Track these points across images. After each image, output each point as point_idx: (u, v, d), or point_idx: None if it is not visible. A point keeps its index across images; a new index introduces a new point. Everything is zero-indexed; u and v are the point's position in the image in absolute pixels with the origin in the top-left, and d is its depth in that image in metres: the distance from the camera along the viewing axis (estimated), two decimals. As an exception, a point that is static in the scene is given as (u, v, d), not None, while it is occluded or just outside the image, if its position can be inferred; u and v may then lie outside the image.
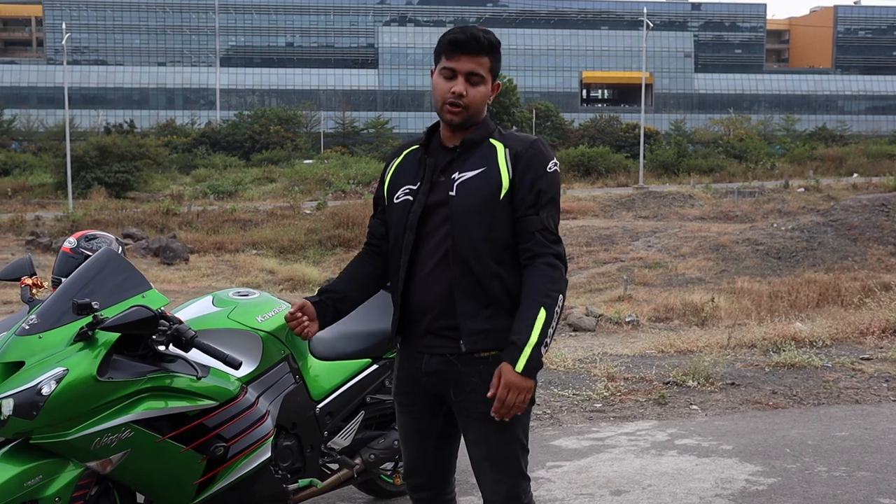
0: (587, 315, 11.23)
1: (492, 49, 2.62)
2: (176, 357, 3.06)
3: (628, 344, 7.92)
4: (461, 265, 2.58)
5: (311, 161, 54.61)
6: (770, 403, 5.60)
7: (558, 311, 2.54)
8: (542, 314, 2.50)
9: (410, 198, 2.68)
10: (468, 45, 2.58)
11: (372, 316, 3.90)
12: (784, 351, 6.64)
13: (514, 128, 54.96)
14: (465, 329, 2.59)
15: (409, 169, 2.75)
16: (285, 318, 2.80)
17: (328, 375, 3.69)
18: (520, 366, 2.46)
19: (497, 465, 2.66)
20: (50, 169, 42.47)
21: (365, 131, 71.54)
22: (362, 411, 3.81)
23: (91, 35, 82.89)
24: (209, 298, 3.53)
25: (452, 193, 2.61)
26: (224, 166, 51.29)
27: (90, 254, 4.24)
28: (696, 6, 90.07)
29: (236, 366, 3.07)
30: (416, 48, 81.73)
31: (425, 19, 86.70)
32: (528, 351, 2.47)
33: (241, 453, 3.28)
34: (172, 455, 3.08)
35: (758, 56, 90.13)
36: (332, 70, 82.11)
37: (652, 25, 48.58)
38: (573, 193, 35.24)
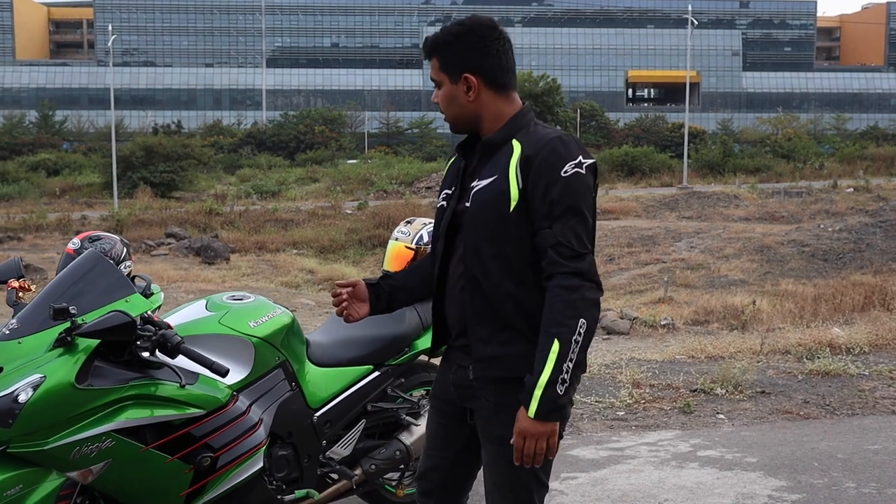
0: (621, 318, 11.01)
1: (435, 48, 2.46)
2: (161, 364, 2.97)
3: (660, 349, 7.70)
4: (472, 284, 2.41)
5: (354, 161, 54.76)
6: (801, 413, 5.37)
7: (579, 339, 2.25)
8: (556, 347, 2.23)
9: (445, 203, 2.55)
10: (424, 52, 2.49)
11: (375, 321, 3.74)
12: (819, 358, 6.39)
13: (558, 127, 54.25)
14: (475, 354, 2.43)
15: (452, 170, 2.60)
16: (331, 293, 2.65)
17: (326, 383, 3.56)
18: (532, 410, 2.25)
19: (505, 494, 2.49)
20: (98, 169, 43.05)
21: (409, 131, 71.62)
22: (363, 420, 3.68)
23: (140, 37, 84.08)
24: (203, 303, 3.43)
25: (468, 204, 2.43)
26: (268, 166, 51.63)
27: (94, 255, 4.19)
28: (744, 4, 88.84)
29: (222, 373, 2.96)
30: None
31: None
32: (538, 393, 2.23)
33: (232, 463, 3.17)
34: (157, 465, 2.98)
35: (808, 54, 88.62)
36: (376, 70, 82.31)
37: (697, 23, 47.88)
38: (616, 194, 34.84)
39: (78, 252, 4.21)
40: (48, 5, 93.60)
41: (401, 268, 3.90)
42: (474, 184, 2.43)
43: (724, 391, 5.73)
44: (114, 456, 2.88)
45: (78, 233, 27.99)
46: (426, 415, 3.77)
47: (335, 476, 3.59)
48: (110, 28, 44.22)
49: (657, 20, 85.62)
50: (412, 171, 46.02)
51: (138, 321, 3.00)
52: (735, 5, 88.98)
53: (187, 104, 78.13)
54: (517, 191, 2.34)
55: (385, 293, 2.69)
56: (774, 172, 42.47)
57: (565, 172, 2.30)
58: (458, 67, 2.41)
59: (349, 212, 32.18)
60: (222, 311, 3.34)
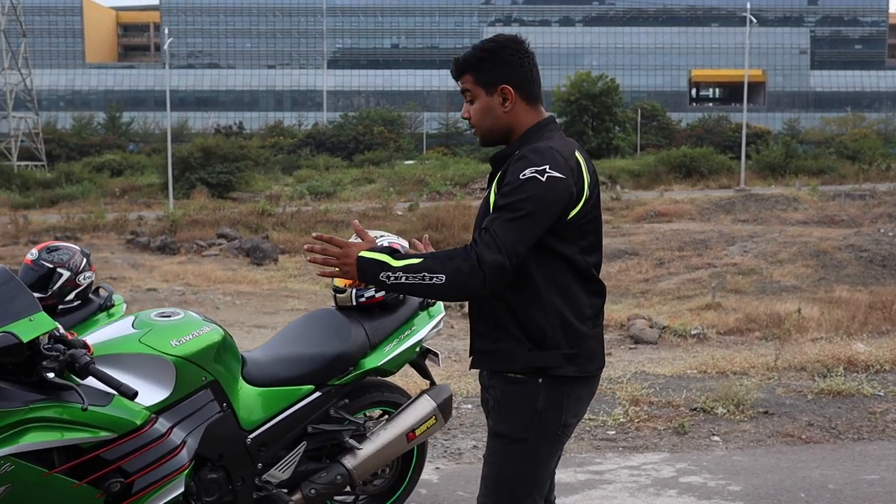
0: (651, 327, 10.70)
1: (468, 65, 2.57)
2: (66, 385, 2.85)
3: (671, 362, 7.40)
4: None
5: (411, 162, 54.82)
6: (802, 437, 5.07)
7: (422, 280, 2.34)
8: (417, 261, 2.37)
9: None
10: (454, 72, 2.61)
11: (315, 338, 3.63)
12: (832, 376, 6.05)
13: (616, 128, 53.89)
14: (474, 347, 2.62)
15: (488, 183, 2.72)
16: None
17: (262, 403, 3.42)
18: (364, 254, 2.42)
19: (488, 489, 2.60)
20: (158, 170, 43.82)
21: (468, 132, 71.46)
22: (304, 442, 3.53)
23: (205, 39, 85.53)
24: (130, 320, 3.31)
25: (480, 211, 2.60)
26: (326, 167, 51.95)
27: (50, 266, 4.12)
28: (812, 0, 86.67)
29: (129, 395, 2.84)
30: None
31: (531, 19, 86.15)
32: (380, 257, 2.40)
33: (150, 487, 3.04)
34: (62, 490, 2.87)
35: (879, 52, 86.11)
36: (436, 71, 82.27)
37: (757, 21, 46.81)
38: (671, 195, 34.21)
39: (35, 263, 4.13)
40: (117, 9, 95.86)
41: (350, 281, 3.74)
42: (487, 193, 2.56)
43: (724, 411, 5.45)
44: (14, 480, 2.77)
45: (133, 233, 28.25)
46: (373, 437, 3.63)
47: (272, 500, 3.45)
48: (166, 31, 44.89)
49: (722, 18, 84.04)
50: (468, 172, 45.85)
51: (46, 340, 2.90)
52: (803, 2, 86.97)
53: (250, 105, 79.18)
54: (494, 195, 2.46)
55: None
56: (838, 174, 41.25)
57: (524, 175, 2.37)
58: (495, 80, 2.53)
59: (400, 213, 32.15)
60: (146, 329, 3.21)
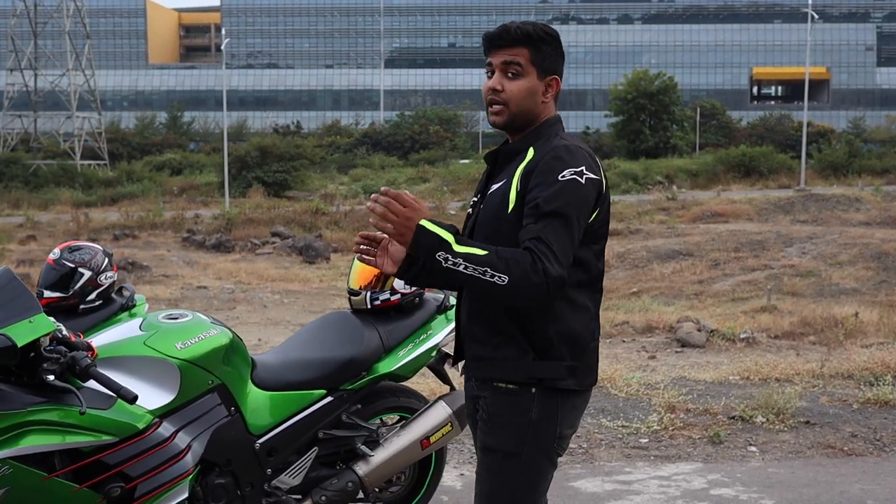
0: (698, 330, 10.44)
1: (529, 39, 2.40)
2: (66, 388, 2.82)
3: (715, 367, 7.19)
4: None
5: (467, 161, 54.72)
6: (844, 449, 4.86)
7: (485, 275, 2.17)
8: (481, 252, 2.19)
9: (471, 210, 2.56)
10: (500, 38, 2.42)
11: (327, 341, 3.56)
12: (881, 385, 5.80)
13: (674, 126, 53.03)
14: (469, 353, 2.48)
15: (482, 178, 2.60)
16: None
17: (272, 408, 3.35)
18: (426, 223, 2.22)
19: None
20: (216, 168, 44.41)
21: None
22: (315, 448, 3.46)
23: (264, 40, 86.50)
24: (138, 321, 3.27)
25: (481, 206, 2.46)
26: (381, 166, 52.15)
27: (72, 266, 4.11)
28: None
29: (129, 399, 2.80)
30: (579, 46, 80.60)
31: (588, 17, 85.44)
32: (441, 231, 2.22)
33: (152, 493, 3.00)
34: (62, 495, 2.84)
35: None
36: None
37: (819, 17, 45.71)
38: (728, 195, 33.58)
39: (57, 262, 4.13)
40: (179, 11, 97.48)
41: (365, 284, 3.67)
42: (490, 187, 2.45)
43: (764, 420, 5.26)
44: (13, 483, 2.75)
45: (189, 231, 28.59)
46: (386, 444, 3.55)
47: (282, 506, 3.38)
48: (224, 32, 45.46)
49: (784, 15, 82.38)
50: (523, 171, 45.60)
51: (47, 341, 2.88)
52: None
53: (307, 105, 79.88)
54: (515, 193, 2.34)
55: (419, 264, 2.47)
56: (904, 174, 40.13)
57: (563, 176, 2.27)
58: (550, 67, 2.43)
59: (452, 212, 32.07)
60: (152, 331, 3.17)
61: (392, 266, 2.52)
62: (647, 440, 5.04)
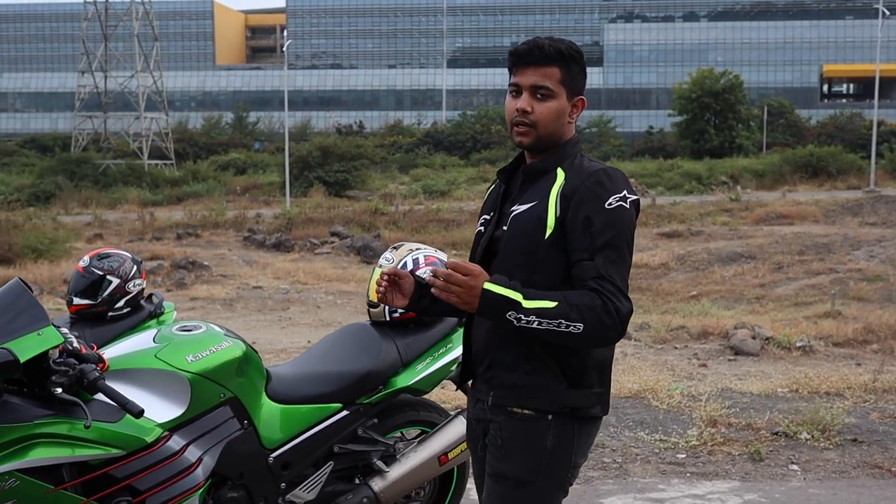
0: (753, 338, 10.18)
1: (561, 58, 2.34)
2: (72, 401, 2.82)
3: (764, 378, 6.98)
4: None
5: (528, 161, 54.40)
6: (892, 469, 4.65)
7: (559, 327, 2.17)
8: (550, 305, 2.18)
9: (483, 228, 2.52)
10: (531, 56, 2.34)
11: (344, 355, 3.51)
12: (936, 401, 5.56)
13: (744, 124, 51.95)
14: (497, 381, 2.39)
15: (492, 196, 2.56)
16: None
17: (286, 421, 3.32)
18: (491, 286, 2.20)
19: None
20: (279, 168, 44.94)
21: (587, 130, 70.62)
22: (331, 462, 3.41)
23: (328, 41, 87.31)
24: (152, 333, 3.26)
25: (505, 228, 2.40)
26: (442, 166, 52.20)
27: (100, 273, 4.14)
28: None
29: (135, 413, 2.79)
30: (643, 45, 79.73)
31: (653, 15, 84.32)
32: (508, 293, 2.19)
33: (162, 506, 2.99)
34: (68, 508, 2.84)
35: None
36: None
37: (888, 13, 44.32)
38: (793, 197, 32.78)
39: (86, 270, 4.16)
40: (245, 13, 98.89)
41: None
42: (514, 208, 2.39)
43: (808, 436, 5.07)
44: (19, 496, 2.76)
45: (250, 230, 28.88)
46: (403, 459, 3.48)
47: (298, 521, 3.34)
48: (285, 33, 45.93)
49: (855, 11, 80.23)
50: (583, 171, 45.21)
51: (57, 354, 2.88)
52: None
53: (370, 105, 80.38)
54: (554, 218, 2.29)
55: (429, 294, 2.50)
56: (981, 175, 38.76)
57: (609, 205, 2.25)
58: (578, 88, 2.40)
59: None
60: (164, 343, 3.16)
61: (402, 300, 2.53)
62: (684, 455, 4.90)
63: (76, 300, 4.13)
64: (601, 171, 2.30)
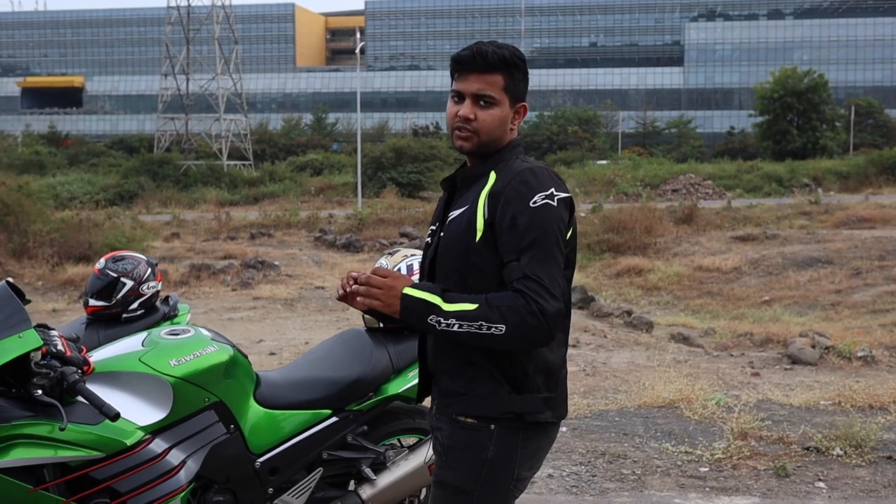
0: (812, 346, 9.84)
1: (505, 65, 2.30)
2: (52, 403, 2.86)
3: (810, 389, 6.73)
4: None
5: (604, 162, 53.93)
6: (926, 489, 4.43)
7: (481, 329, 2.13)
8: (471, 307, 2.15)
9: (430, 239, 2.51)
10: (473, 63, 2.30)
11: (336, 361, 3.49)
12: (983, 419, 5.27)
13: (813, 130, 50.33)
14: (440, 388, 2.39)
15: (439, 206, 2.53)
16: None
17: (274, 426, 3.31)
18: (410, 290, 2.21)
19: None
20: (354, 169, 45.37)
21: (666, 131, 69.60)
22: (320, 468, 3.40)
23: (406, 42, 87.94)
24: (142, 337, 3.29)
25: (442, 234, 2.38)
26: (517, 167, 51.96)
27: (115, 275, 4.21)
28: None
29: (111, 416, 2.81)
30: (725, 44, 78.18)
31: (737, 13, 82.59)
32: (426, 296, 2.19)
33: (144, 509, 3.02)
34: (47, 508, 2.88)
35: None
36: (635, 69, 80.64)
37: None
38: (877, 200, 31.67)
39: (101, 272, 4.23)
40: (326, 15, 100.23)
41: None
42: (450, 214, 2.37)
43: (841, 452, 4.86)
44: (-2, 496, 2.81)
45: (322, 230, 29.19)
46: (393, 467, 3.45)
47: (286, 526, 3.34)
48: (358, 36, 46.38)
49: (952, 6, 77.38)
50: (660, 172, 44.60)
51: (39, 356, 2.93)
52: None
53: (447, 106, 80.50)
54: (482, 221, 2.25)
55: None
56: None
57: (534, 202, 2.20)
58: (520, 94, 2.36)
59: (583, 215, 31.61)
60: (150, 347, 3.18)
61: (361, 304, 2.44)
62: (707, 469, 4.75)
63: (92, 301, 4.21)
64: (527, 170, 2.25)
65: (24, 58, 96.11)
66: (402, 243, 27.85)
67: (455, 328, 2.15)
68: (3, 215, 20.37)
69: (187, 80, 57.32)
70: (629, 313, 14.50)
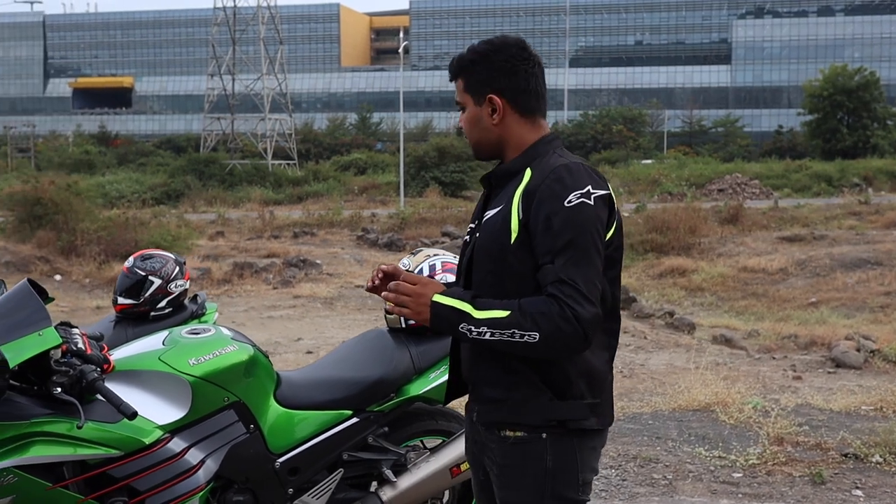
0: (857, 350, 9.62)
1: (461, 69, 2.32)
2: (70, 401, 2.86)
3: (852, 393, 6.56)
4: None
5: (649, 161, 53.44)
6: (968, 499, 4.29)
7: (514, 337, 2.05)
8: (503, 314, 2.07)
9: (468, 237, 2.42)
10: (450, 75, 2.37)
11: (357, 361, 3.46)
12: None
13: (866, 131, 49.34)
14: (480, 396, 2.30)
15: (478, 204, 2.48)
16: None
17: (294, 426, 3.30)
18: (439, 298, 2.15)
19: None
20: (398, 168, 45.47)
21: (713, 130, 68.77)
22: (341, 469, 3.37)
23: (451, 41, 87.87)
24: (163, 335, 3.30)
25: (478, 235, 2.31)
26: (560, 166, 51.70)
27: (143, 274, 4.23)
28: None
29: (128, 415, 2.82)
30: (774, 41, 77.09)
31: (786, 10, 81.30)
32: (458, 304, 2.12)
33: (162, 507, 3.02)
34: (67, 505, 2.89)
35: None
36: (681, 67, 79.86)
37: None
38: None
39: (130, 270, 4.26)
40: (371, 15, 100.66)
41: None
42: (486, 213, 2.30)
43: (880, 459, 4.73)
44: (18, 492, 2.83)
45: (364, 230, 29.29)
46: (414, 469, 3.41)
47: (307, 526, 3.32)
48: (401, 35, 46.48)
49: None
50: (706, 172, 44.07)
51: (59, 354, 2.94)
52: None
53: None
54: (517, 222, 2.17)
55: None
56: None
57: (569, 202, 2.11)
58: (484, 88, 2.28)
59: (626, 214, 31.34)
60: (171, 346, 3.19)
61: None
62: (740, 475, 4.65)
63: (120, 299, 4.23)
64: (562, 166, 2.16)
65: (76, 59, 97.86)
66: (443, 243, 27.80)
67: (487, 336, 2.08)
68: (53, 214, 20.74)
69: (233, 80, 57.91)
70: (671, 314, 14.33)
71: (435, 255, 3.55)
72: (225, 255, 22.49)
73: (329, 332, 11.65)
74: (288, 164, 53.78)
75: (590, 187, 2.13)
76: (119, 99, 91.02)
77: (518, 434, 2.20)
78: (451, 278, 3.29)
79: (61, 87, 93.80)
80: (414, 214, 31.82)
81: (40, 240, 19.70)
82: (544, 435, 2.19)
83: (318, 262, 22.42)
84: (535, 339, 2.04)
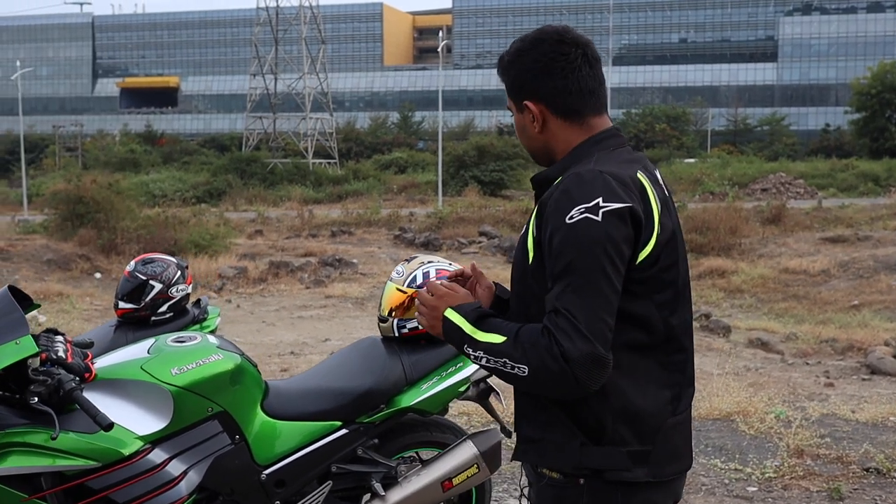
0: (894, 356, 9.35)
1: (501, 74, 2.09)
2: (45, 411, 2.82)
3: (882, 403, 6.35)
4: None
5: (692, 160, 52.80)
6: None
7: (506, 367, 1.84)
8: (499, 339, 1.87)
9: None
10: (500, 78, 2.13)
11: (349, 370, 3.38)
12: None
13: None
14: (518, 432, 2.07)
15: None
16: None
17: (281, 438, 3.22)
18: (449, 312, 1.98)
19: None
20: (436, 167, 45.44)
21: (758, 128, 67.77)
22: (329, 482, 3.29)
23: (493, 40, 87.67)
24: (149, 343, 3.24)
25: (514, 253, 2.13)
26: (601, 166, 51.30)
27: (143, 278, 4.20)
28: None
29: (104, 426, 2.77)
30: (822, 38, 75.76)
31: (834, 6, 79.84)
32: (462, 321, 1.95)
33: (141, 519, 2.97)
34: (43, 516, 2.85)
35: None
36: (726, 65, 78.86)
37: None
38: None
39: (131, 274, 4.22)
40: (413, 14, 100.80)
41: (396, 307, 3.43)
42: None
43: (903, 474, 4.55)
44: (-7, 503, 2.79)
45: (401, 229, 29.30)
46: (405, 483, 3.32)
47: (294, 539, 3.25)
48: (441, 34, 46.38)
49: None
50: (750, 171, 43.42)
51: (38, 363, 2.90)
52: None
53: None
54: (532, 240, 1.95)
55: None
56: None
57: (570, 218, 1.82)
58: (519, 94, 2.05)
59: (666, 214, 30.95)
60: (155, 355, 3.13)
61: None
62: (755, 489, 4.50)
63: (121, 304, 4.20)
64: (574, 174, 1.88)
65: (124, 59, 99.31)
66: (480, 243, 27.69)
67: (483, 362, 1.90)
68: (94, 212, 21.01)
69: (275, 79, 58.31)
70: (707, 316, 14.11)
71: (429, 262, 3.46)
72: (262, 253, 22.60)
73: (357, 332, 11.60)
74: (328, 163, 54.01)
75: (600, 200, 1.81)
76: (165, 98, 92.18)
77: (553, 475, 1.97)
78: None
79: (109, 86, 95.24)
80: (452, 213, 31.70)
81: (81, 238, 19.97)
82: (582, 481, 1.93)
83: (353, 261, 22.43)
84: (524, 372, 1.82)
